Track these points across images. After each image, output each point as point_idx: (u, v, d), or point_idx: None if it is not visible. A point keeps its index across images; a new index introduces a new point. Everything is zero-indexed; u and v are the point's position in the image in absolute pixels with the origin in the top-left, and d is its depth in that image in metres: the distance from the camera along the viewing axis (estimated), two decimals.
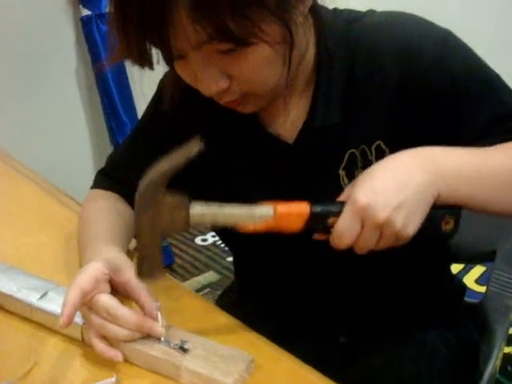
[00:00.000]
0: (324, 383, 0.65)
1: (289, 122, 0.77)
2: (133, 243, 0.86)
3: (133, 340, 0.66)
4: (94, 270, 0.68)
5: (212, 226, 0.65)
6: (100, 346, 0.66)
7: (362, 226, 0.61)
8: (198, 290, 2.11)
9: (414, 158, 0.64)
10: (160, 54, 0.66)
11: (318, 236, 0.66)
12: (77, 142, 2.21)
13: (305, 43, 0.71)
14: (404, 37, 0.71)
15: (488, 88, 0.71)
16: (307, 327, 0.88)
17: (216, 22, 0.57)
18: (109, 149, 2.16)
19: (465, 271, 2.03)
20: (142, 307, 0.68)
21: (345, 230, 0.62)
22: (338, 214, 0.63)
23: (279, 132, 0.77)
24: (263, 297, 0.94)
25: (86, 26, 2.03)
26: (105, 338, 0.67)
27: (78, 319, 0.69)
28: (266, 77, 0.66)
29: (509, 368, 1.61)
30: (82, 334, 0.71)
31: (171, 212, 0.63)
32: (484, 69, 0.72)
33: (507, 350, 1.62)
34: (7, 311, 0.77)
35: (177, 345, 0.66)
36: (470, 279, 1.99)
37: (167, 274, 0.90)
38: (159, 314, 0.67)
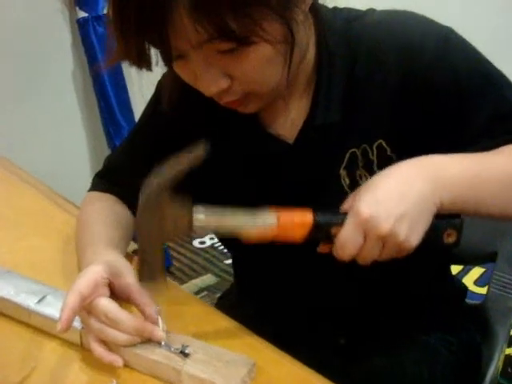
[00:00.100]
0: None
1: (289, 122, 0.77)
2: (131, 246, 0.86)
3: (133, 344, 0.66)
4: (93, 273, 0.67)
5: (215, 233, 0.65)
6: (99, 350, 0.65)
7: (365, 238, 0.61)
8: (196, 293, 2.11)
9: (415, 168, 0.63)
10: (158, 55, 0.66)
11: (321, 248, 0.66)
12: (74, 145, 2.20)
13: (305, 42, 0.70)
14: (405, 35, 0.71)
15: (490, 85, 0.70)
16: (307, 329, 0.88)
17: (217, 21, 0.56)
18: (106, 152, 2.15)
19: (464, 272, 2.03)
20: (142, 311, 0.67)
21: (347, 242, 0.61)
22: (341, 223, 0.62)
23: (279, 132, 0.77)
24: (263, 299, 0.93)
25: (83, 28, 2.02)
26: (104, 342, 0.66)
27: (77, 323, 0.68)
28: (267, 76, 0.65)
29: (509, 370, 1.60)
30: (80, 338, 0.70)
31: (175, 217, 0.62)
32: (486, 65, 0.72)
33: (507, 351, 1.62)
34: (5, 315, 0.76)
35: (177, 349, 0.65)
36: (469, 281, 1.98)
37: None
38: (160, 318, 0.67)
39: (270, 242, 0.73)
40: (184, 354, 0.64)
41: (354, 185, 0.74)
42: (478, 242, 1.03)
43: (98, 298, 0.66)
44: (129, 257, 0.82)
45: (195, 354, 0.65)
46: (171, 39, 0.59)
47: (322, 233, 0.63)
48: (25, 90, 2.02)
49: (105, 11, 2.02)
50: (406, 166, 0.64)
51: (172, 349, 0.65)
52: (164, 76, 0.83)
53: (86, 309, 0.66)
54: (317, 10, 0.71)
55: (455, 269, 1.96)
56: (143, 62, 0.63)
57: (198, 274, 2.27)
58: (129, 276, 0.69)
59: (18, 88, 2.00)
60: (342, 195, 0.74)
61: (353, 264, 0.66)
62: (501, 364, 0.97)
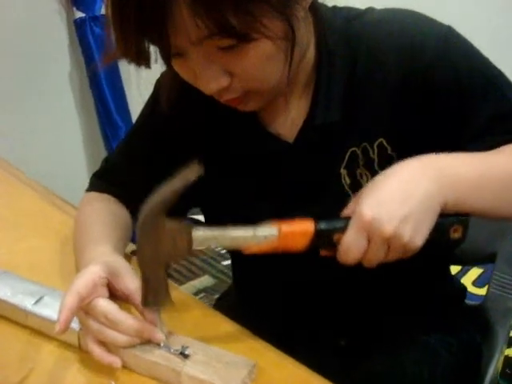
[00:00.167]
0: None
1: (289, 121, 0.76)
2: (130, 247, 0.85)
3: (132, 346, 0.65)
4: (92, 274, 0.66)
5: (216, 247, 0.64)
6: (98, 351, 0.65)
7: (369, 241, 0.60)
8: (194, 295, 2.09)
9: (418, 167, 0.63)
10: (157, 52, 0.65)
11: (324, 252, 0.65)
12: (71, 145, 2.20)
13: (306, 40, 0.70)
14: (405, 33, 0.70)
15: (491, 84, 0.70)
16: (307, 331, 0.87)
17: (217, 17, 0.56)
18: (103, 153, 2.15)
19: (462, 273, 2.03)
20: (141, 312, 0.67)
21: (351, 246, 0.61)
22: (343, 229, 0.61)
23: (279, 131, 0.76)
24: (262, 300, 0.92)
25: (80, 29, 2.02)
26: (103, 343, 0.66)
27: (75, 325, 0.67)
28: (267, 73, 0.65)
29: (508, 370, 1.60)
30: (78, 339, 0.69)
31: (173, 238, 0.62)
32: (486, 65, 0.72)
33: (506, 352, 1.62)
34: (1, 317, 0.75)
35: (177, 350, 0.64)
36: (467, 281, 1.98)
37: None
38: (159, 319, 0.66)
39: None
40: (184, 356, 0.64)
41: (355, 184, 0.74)
42: (477, 242, 1.03)
43: (96, 299, 0.65)
44: (127, 257, 0.81)
45: (195, 356, 0.64)
46: (171, 36, 0.59)
47: (325, 240, 0.63)
48: (22, 91, 2.01)
49: (102, 11, 2.02)
50: (410, 165, 0.63)
51: (171, 350, 0.64)
52: (163, 75, 0.82)
53: (85, 310, 0.65)
54: (316, 9, 0.71)
55: (453, 269, 1.95)
56: (142, 60, 0.63)
57: (196, 276, 2.26)
58: (128, 276, 0.68)
59: (14, 89, 1.99)
60: (343, 194, 0.74)
61: (356, 266, 0.66)
62: (500, 365, 0.97)
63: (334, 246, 0.62)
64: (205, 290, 2.16)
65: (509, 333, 0.98)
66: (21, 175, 1.22)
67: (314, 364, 0.67)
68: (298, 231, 0.63)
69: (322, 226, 0.63)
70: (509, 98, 0.70)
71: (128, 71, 2.03)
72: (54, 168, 1.99)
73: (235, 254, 0.97)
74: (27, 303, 0.72)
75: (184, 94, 0.75)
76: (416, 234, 0.60)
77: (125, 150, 0.91)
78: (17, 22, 1.94)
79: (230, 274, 2.12)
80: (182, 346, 0.65)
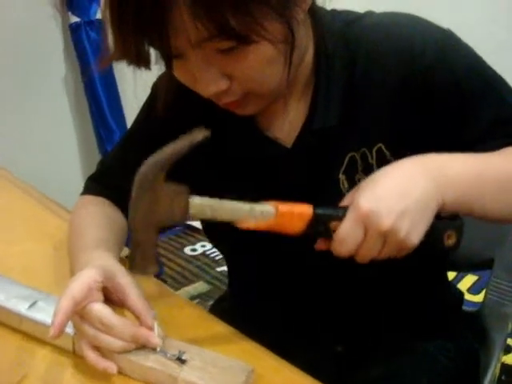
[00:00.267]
0: None
1: (287, 126, 0.76)
2: (124, 252, 0.85)
3: (127, 351, 0.64)
4: (87, 277, 0.65)
5: (211, 219, 0.63)
6: (92, 356, 0.64)
7: (365, 234, 0.60)
8: None
9: (418, 166, 0.63)
10: (156, 54, 0.65)
11: (319, 245, 0.65)
12: (65, 149, 2.19)
13: (305, 43, 0.70)
14: (404, 37, 0.70)
15: (490, 88, 0.70)
16: (304, 337, 0.86)
17: (217, 19, 0.56)
18: (97, 156, 2.15)
19: (457, 280, 2.03)
20: (137, 316, 0.66)
21: (347, 236, 0.60)
22: (340, 218, 0.61)
23: (277, 136, 0.76)
24: (258, 306, 0.91)
25: (75, 33, 2.02)
26: (97, 348, 0.65)
27: (69, 329, 0.66)
28: (267, 76, 0.64)
29: (503, 377, 1.60)
30: (73, 344, 0.68)
31: (170, 200, 0.60)
32: (486, 68, 0.72)
33: (502, 359, 1.61)
34: None
35: (174, 355, 0.63)
36: (463, 288, 1.98)
37: (160, 282, 0.89)
38: (155, 323, 0.65)
39: (266, 248, 0.72)
40: (180, 361, 0.63)
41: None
42: (474, 248, 1.03)
43: (91, 303, 0.64)
44: (122, 261, 0.80)
45: (192, 361, 0.63)
46: (171, 38, 0.58)
47: (321, 226, 0.62)
48: (17, 95, 2.01)
49: (97, 16, 2.02)
50: (409, 163, 0.63)
51: (168, 355, 0.63)
52: (160, 77, 0.82)
53: (79, 314, 0.64)
54: (315, 12, 0.71)
55: (449, 276, 1.96)
56: (142, 61, 0.62)
57: (190, 282, 2.25)
58: (123, 280, 0.67)
59: (9, 92, 1.99)
60: (341, 200, 0.73)
61: (351, 269, 0.65)
62: (497, 372, 0.96)
63: (329, 235, 0.62)
64: (199, 296, 2.15)
65: (506, 339, 0.97)
66: (14, 179, 1.22)
67: (311, 370, 0.67)
68: (295, 212, 0.62)
69: (320, 211, 0.62)
70: (508, 101, 0.70)
71: (123, 76, 2.03)
72: (48, 172, 1.99)
73: (231, 260, 0.96)
74: (21, 307, 0.72)
75: (181, 96, 0.74)
76: (412, 231, 0.59)
77: (120, 153, 0.91)
78: (12, 25, 1.94)
79: (225, 280, 2.12)
80: (179, 351, 0.64)
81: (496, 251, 1.03)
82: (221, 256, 2.30)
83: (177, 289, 2.19)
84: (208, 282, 2.24)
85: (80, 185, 0.94)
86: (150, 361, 0.63)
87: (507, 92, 0.72)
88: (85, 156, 2.24)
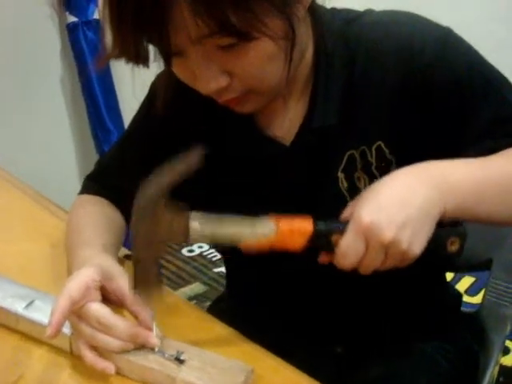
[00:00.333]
0: None
1: (286, 124, 0.76)
2: (122, 251, 0.84)
3: (125, 351, 0.64)
4: (85, 276, 0.65)
5: (212, 243, 0.63)
6: (90, 356, 0.63)
7: (367, 246, 0.59)
8: None
9: (418, 174, 0.62)
10: (155, 52, 0.64)
11: (322, 258, 0.64)
12: (62, 149, 2.19)
13: (305, 41, 0.70)
14: (404, 35, 0.70)
15: (491, 86, 0.70)
16: (303, 338, 0.86)
17: (218, 15, 0.55)
18: (95, 157, 2.14)
19: (454, 282, 2.03)
20: (135, 316, 0.65)
21: (349, 249, 0.60)
22: (341, 231, 0.60)
23: (276, 134, 0.76)
24: (257, 306, 0.91)
25: (73, 33, 2.01)
26: (95, 348, 0.64)
27: (67, 329, 0.66)
28: (267, 73, 0.64)
29: (501, 379, 1.59)
30: (70, 344, 0.68)
31: (170, 223, 0.61)
32: (486, 66, 0.72)
33: (500, 360, 1.61)
34: None
35: (172, 355, 0.63)
36: (460, 290, 1.97)
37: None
38: (154, 323, 0.64)
39: (268, 251, 0.72)
40: (179, 361, 0.62)
41: (352, 187, 0.73)
42: (473, 249, 1.02)
43: (89, 303, 0.64)
44: (120, 261, 0.80)
45: (190, 361, 0.63)
46: (171, 35, 0.58)
47: (323, 241, 0.62)
48: (13, 95, 2.00)
49: (95, 16, 2.01)
50: (409, 171, 0.62)
51: (166, 355, 0.63)
52: (158, 76, 0.81)
53: (77, 314, 0.64)
54: (315, 10, 0.71)
55: (447, 277, 1.95)
56: (140, 59, 0.62)
57: (187, 283, 2.25)
58: (122, 279, 0.67)
59: (6, 93, 1.98)
60: (340, 198, 0.73)
61: (352, 273, 0.65)
62: (496, 373, 0.96)
63: (331, 247, 0.62)
64: (196, 297, 2.15)
65: (504, 340, 0.97)
66: (12, 179, 1.21)
67: (311, 371, 0.67)
68: (296, 230, 0.62)
69: (321, 226, 0.62)
70: (509, 100, 0.70)
71: (121, 76, 2.03)
72: (46, 172, 1.98)
73: (229, 261, 0.96)
74: (18, 307, 0.71)
75: (180, 95, 0.74)
76: (414, 241, 0.59)
77: (118, 153, 0.90)
78: (9, 25, 1.93)
79: (222, 281, 2.11)
80: (177, 352, 0.63)
81: (494, 252, 1.03)
82: (218, 257, 2.29)
83: (173, 290, 2.18)
84: (205, 283, 2.23)
85: (78, 184, 0.93)
86: (149, 361, 0.63)
87: (508, 90, 0.71)
88: (82, 156, 2.24)
